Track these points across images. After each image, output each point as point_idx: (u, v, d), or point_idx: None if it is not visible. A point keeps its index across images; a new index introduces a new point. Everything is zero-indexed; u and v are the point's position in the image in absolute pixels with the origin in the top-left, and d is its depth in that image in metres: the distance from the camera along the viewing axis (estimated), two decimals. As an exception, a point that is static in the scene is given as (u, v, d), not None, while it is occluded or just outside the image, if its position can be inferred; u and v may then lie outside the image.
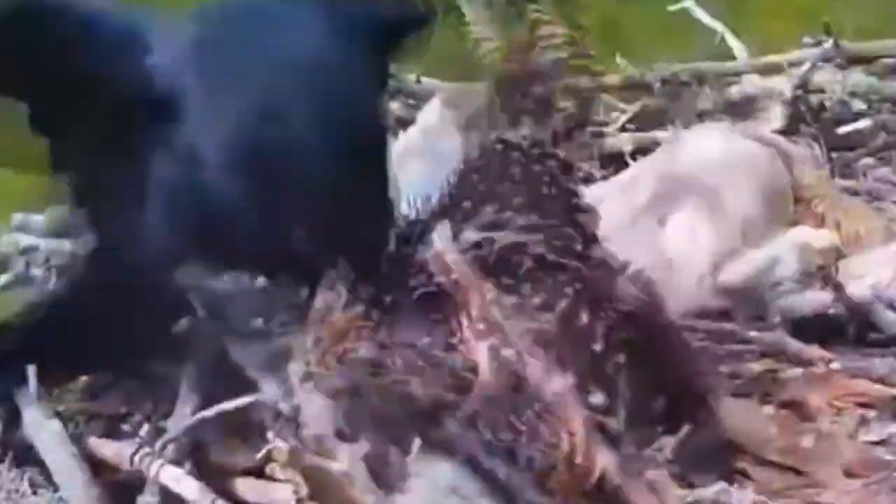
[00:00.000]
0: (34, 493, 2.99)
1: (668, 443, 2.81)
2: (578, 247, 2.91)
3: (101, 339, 3.06)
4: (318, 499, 2.68)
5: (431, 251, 2.84)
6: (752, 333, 3.48)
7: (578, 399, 2.69)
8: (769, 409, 3.13)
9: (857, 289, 3.50)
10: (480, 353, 2.79)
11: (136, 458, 2.87)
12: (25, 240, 4.18)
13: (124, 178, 2.88)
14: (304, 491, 2.66)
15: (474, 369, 2.77)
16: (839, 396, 3.16)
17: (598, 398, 2.78)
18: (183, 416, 2.96)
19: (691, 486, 2.82)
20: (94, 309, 3.02)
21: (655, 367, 2.88)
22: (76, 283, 3.20)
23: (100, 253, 3.06)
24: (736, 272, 3.60)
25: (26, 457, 3.03)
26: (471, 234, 2.90)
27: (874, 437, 3.03)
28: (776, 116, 4.81)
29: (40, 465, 2.99)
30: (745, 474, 2.90)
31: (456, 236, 2.88)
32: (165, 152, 2.81)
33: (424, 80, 5.06)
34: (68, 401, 3.22)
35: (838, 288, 3.49)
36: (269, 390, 2.90)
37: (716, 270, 3.60)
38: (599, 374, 2.81)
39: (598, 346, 2.82)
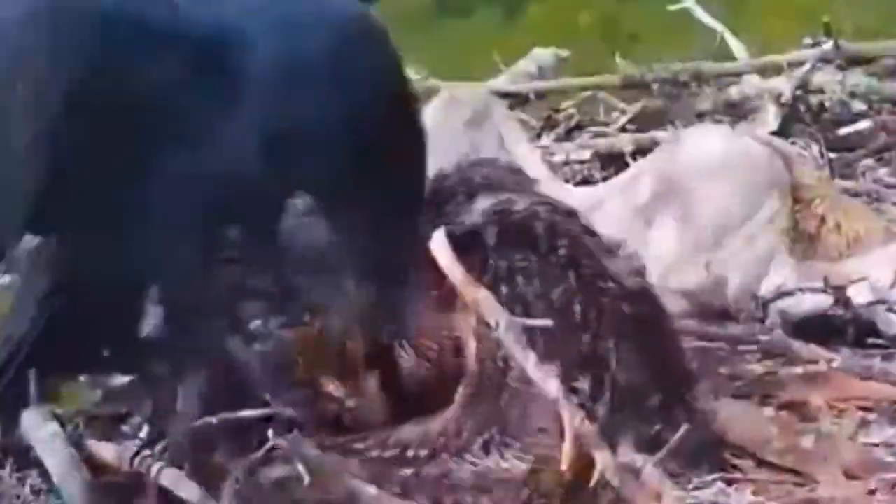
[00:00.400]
0: (35, 498, 2.98)
1: (665, 441, 2.82)
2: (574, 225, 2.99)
3: (100, 339, 3.07)
4: (317, 488, 2.70)
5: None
6: (753, 334, 3.48)
7: (571, 399, 2.71)
8: (769, 411, 3.13)
9: (857, 291, 3.50)
10: (469, 345, 2.86)
11: (136, 460, 2.86)
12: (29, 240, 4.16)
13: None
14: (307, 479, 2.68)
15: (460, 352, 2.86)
16: (840, 398, 3.16)
17: (583, 384, 2.83)
18: (184, 419, 2.95)
19: (688, 481, 2.83)
20: (95, 310, 3.02)
21: (645, 352, 2.91)
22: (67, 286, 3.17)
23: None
24: (682, 281, 3.62)
25: (27, 462, 3.03)
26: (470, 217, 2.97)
27: (875, 440, 3.03)
28: (771, 118, 4.82)
29: (41, 468, 2.99)
30: (744, 474, 2.90)
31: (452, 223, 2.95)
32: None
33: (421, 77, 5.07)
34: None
35: (839, 291, 3.48)
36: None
37: (668, 275, 3.61)
38: (588, 361, 2.85)
39: (589, 334, 2.86)
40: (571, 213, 3.04)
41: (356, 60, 2.89)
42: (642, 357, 2.91)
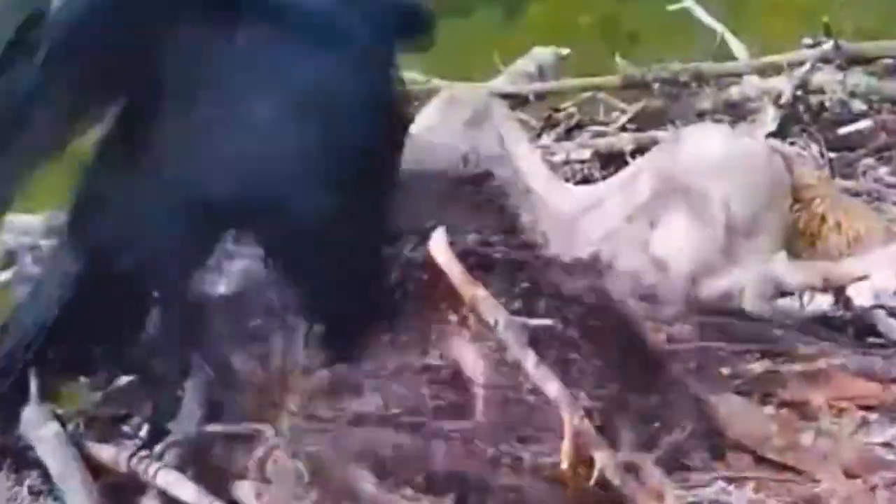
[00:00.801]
0: (34, 499, 2.98)
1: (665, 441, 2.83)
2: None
3: (101, 339, 3.07)
4: (317, 483, 2.69)
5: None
6: (753, 333, 3.48)
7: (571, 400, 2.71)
8: (769, 409, 3.14)
9: (858, 292, 3.50)
10: (469, 352, 2.85)
11: (134, 460, 2.86)
12: (27, 239, 4.17)
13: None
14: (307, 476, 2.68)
15: (455, 367, 2.85)
16: (840, 397, 3.17)
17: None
18: (188, 422, 2.95)
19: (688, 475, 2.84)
20: (98, 309, 3.02)
21: (612, 355, 2.94)
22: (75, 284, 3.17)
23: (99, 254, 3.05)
24: (714, 288, 3.61)
25: (25, 462, 3.03)
26: None
27: (875, 439, 3.03)
28: (769, 119, 4.81)
29: (39, 469, 2.98)
30: (743, 472, 2.91)
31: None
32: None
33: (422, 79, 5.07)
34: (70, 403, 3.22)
35: (839, 291, 3.49)
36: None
37: (695, 283, 3.60)
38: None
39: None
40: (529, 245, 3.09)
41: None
42: (611, 365, 2.94)
